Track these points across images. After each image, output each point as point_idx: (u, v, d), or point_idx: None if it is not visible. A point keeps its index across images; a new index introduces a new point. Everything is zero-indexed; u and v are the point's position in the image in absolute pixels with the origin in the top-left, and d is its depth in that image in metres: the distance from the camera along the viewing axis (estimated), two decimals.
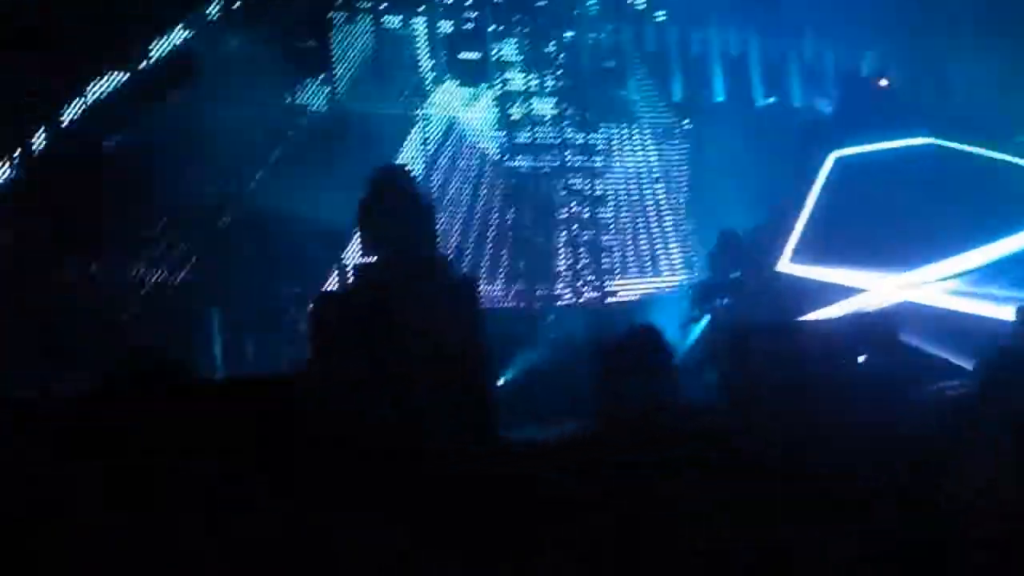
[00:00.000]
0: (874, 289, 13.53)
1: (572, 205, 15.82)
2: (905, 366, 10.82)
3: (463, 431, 8.85)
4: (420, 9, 15.19)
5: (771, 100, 17.43)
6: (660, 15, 16.85)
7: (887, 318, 11.59)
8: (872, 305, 13.11)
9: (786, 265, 14.21)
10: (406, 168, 12.30)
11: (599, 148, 16.22)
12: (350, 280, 9.77)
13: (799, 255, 14.22)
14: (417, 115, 15.11)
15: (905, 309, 13.16)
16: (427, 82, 15.22)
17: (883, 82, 15.99)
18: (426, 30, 15.23)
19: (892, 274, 13.69)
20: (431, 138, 15.11)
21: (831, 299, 13.48)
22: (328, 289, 13.25)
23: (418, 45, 15.19)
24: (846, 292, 13.63)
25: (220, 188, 13.29)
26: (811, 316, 12.88)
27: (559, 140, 15.85)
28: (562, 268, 15.69)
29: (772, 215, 14.93)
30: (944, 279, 13.54)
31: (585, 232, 15.88)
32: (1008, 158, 13.97)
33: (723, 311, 13.79)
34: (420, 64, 15.17)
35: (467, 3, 15.45)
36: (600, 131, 16.31)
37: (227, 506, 7.12)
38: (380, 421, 8.40)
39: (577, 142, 15.97)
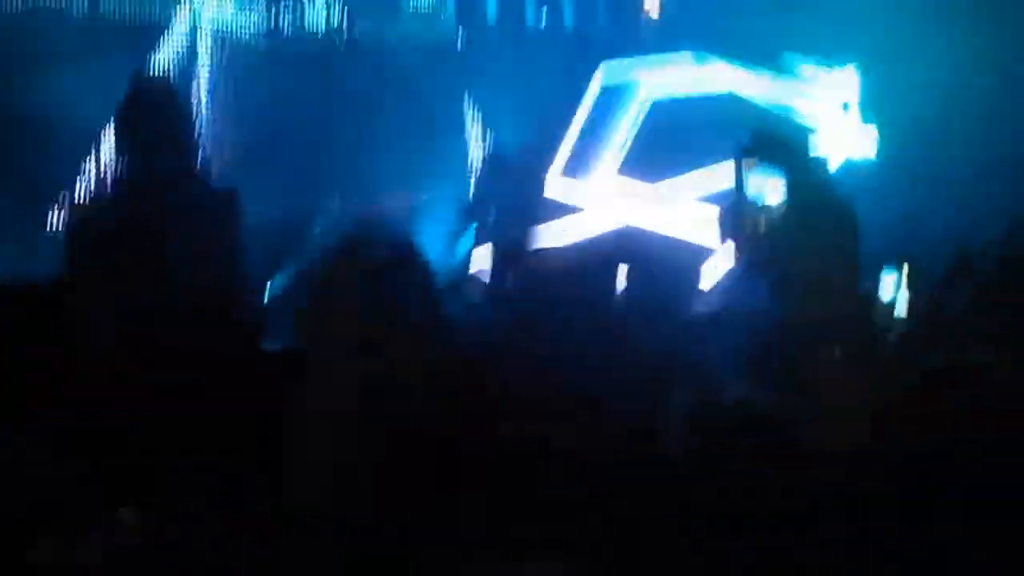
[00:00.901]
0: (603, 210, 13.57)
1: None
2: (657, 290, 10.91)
3: (223, 341, 8.78)
4: None
5: (543, 21, 17.51)
6: None
7: (631, 240, 11.71)
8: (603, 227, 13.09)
9: (555, 180, 14.31)
10: (163, 75, 12.10)
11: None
12: (104, 190, 9.58)
13: (568, 170, 14.34)
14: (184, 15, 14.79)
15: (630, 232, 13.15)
16: None
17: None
18: None
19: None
20: (199, 44, 14.79)
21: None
22: (79, 199, 12.96)
23: None
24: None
25: None
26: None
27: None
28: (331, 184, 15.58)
29: (538, 130, 15.05)
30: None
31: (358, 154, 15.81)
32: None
33: (488, 228, 13.90)
34: None
35: None
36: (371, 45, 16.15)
37: None
38: (134, 337, 8.32)
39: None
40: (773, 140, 9.79)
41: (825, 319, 8.70)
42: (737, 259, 10.22)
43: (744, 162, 9.57)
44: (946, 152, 13.93)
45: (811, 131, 12.04)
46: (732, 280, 10.39)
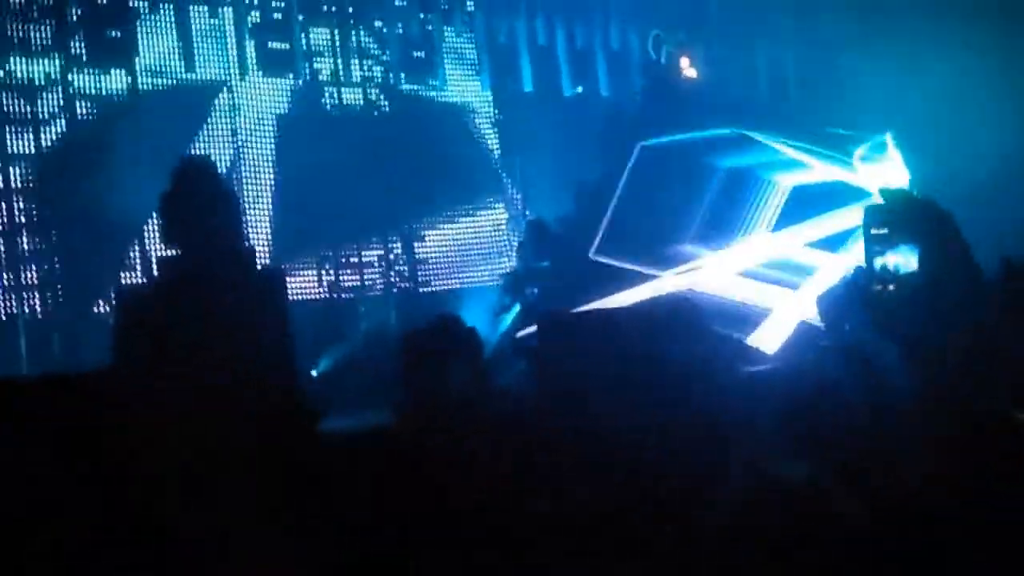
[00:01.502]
0: (665, 277, 13.58)
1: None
2: (714, 351, 10.89)
3: (273, 425, 8.78)
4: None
5: (579, 89, 17.65)
6: (470, 4, 16.90)
7: (688, 303, 11.69)
8: (661, 291, 13.17)
9: (595, 254, 14.31)
10: (209, 158, 12.21)
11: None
12: (154, 273, 9.63)
13: (608, 244, 14.33)
14: (223, 105, 14.89)
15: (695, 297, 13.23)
16: (234, 73, 15.00)
17: (690, 72, 16.18)
18: (233, 19, 15.00)
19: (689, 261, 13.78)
20: (240, 129, 14.90)
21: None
22: (130, 282, 13.08)
23: (226, 35, 14.96)
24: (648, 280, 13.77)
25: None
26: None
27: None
28: (374, 258, 15.66)
29: (579, 205, 15.08)
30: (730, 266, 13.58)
31: (398, 222, 15.90)
32: (808, 146, 14.14)
33: (533, 300, 13.91)
34: (228, 55, 14.94)
35: None
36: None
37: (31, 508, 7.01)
38: (188, 417, 8.32)
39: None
40: (903, 211, 9.73)
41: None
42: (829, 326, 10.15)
43: (873, 232, 9.54)
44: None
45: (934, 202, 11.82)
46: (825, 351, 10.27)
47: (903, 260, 9.14)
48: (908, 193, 10.64)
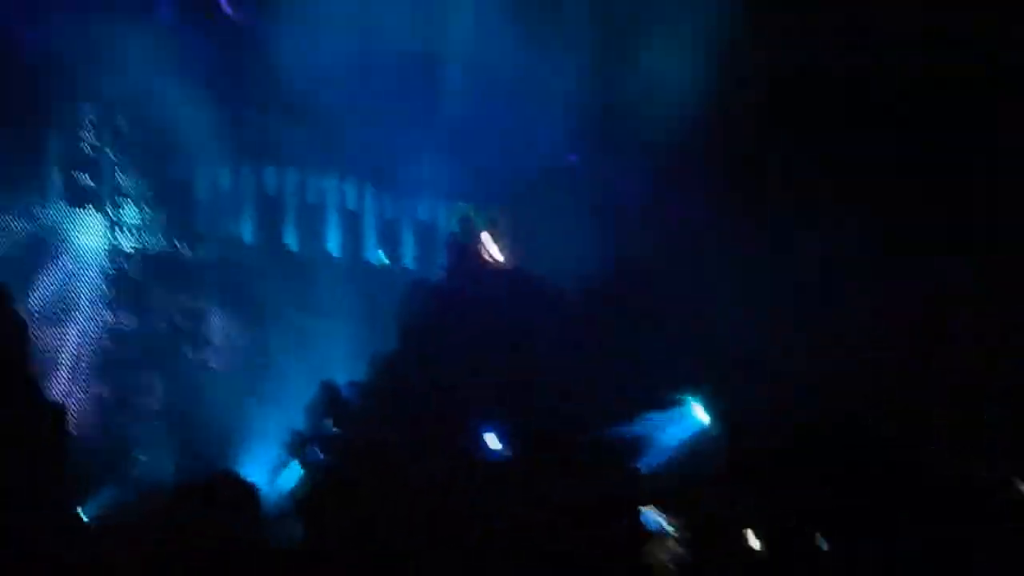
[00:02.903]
0: None
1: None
2: None
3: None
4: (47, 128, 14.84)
5: (383, 259, 17.76)
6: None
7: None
8: None
9: None
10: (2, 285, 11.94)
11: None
12: None
13: None
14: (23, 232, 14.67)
15: None
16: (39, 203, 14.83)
17: (493, 251, 16.32)
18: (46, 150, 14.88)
19: None
20: (43, 259, 14.68)
21: None
22: None
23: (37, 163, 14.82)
24: None
25: None
26: None
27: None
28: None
29: (373, 374, 15.04)
30: None
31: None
32: None
33: (318, 463, 13.77)
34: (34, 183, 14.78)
35: (87, 128, 15.21)
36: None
37: None
38: None
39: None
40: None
41: None
42: None
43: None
44: None
45: None
46: None
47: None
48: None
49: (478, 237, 15.57)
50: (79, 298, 14.91)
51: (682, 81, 16.00)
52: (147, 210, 15.78)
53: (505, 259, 15.25)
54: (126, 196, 15.59)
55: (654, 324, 15.17)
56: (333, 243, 17.32)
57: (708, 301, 16.37)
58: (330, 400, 14.38)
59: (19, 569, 8.47)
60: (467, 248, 15.26)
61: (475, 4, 16.45)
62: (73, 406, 13.55)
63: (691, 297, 17.10)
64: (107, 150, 15.36)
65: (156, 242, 16.00)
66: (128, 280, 15.49)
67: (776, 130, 16.66)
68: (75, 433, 13.31)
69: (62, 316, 14.76)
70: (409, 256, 17.89)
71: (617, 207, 18.93)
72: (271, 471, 14.16)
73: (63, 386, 14.29)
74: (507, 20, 16.69)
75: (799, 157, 16.79)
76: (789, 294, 16.05)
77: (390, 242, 17.85)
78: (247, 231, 16.60)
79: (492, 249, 15.36)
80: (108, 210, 15.39)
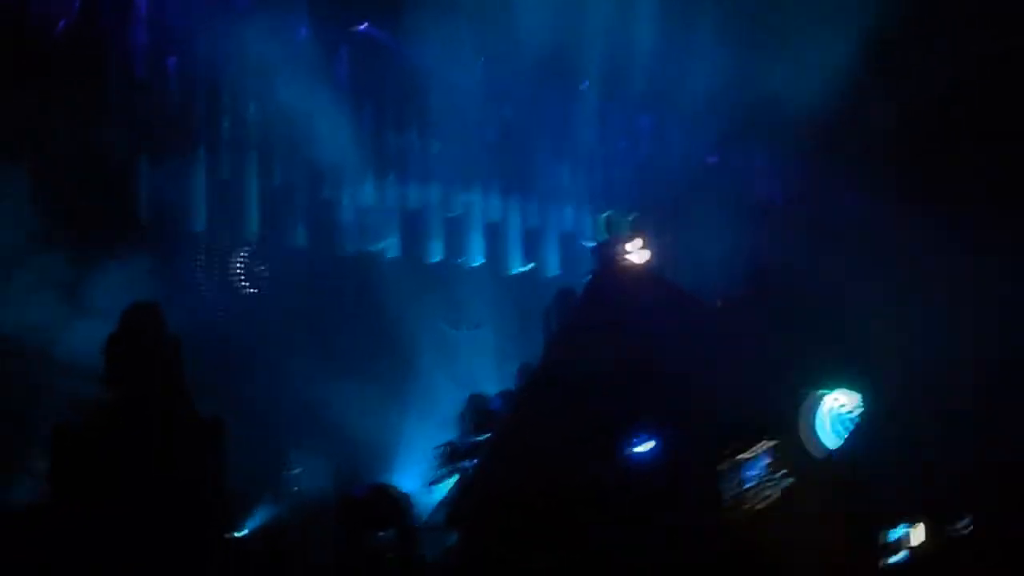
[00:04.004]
0: None
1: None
2: None
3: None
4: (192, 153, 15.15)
5: (527, 267, 17.81)
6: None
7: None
8: None
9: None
10: (157, 304, 12.13)
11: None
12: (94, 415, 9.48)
13: None
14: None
15: None
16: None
17: (639, 256, 16.21)
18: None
19: None
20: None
21: None
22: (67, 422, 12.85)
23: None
24: None
25: None
26: None
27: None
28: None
29: (520, 383, 15.02)
30: None
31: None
32: None
33: (469, 472, 13.76)
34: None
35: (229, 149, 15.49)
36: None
37: None
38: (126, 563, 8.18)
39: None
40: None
41: None
42: None
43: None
44: None
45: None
46: None
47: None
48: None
49: (622, 242, 15.48)
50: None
51: (825, 79, 15.85)
52: (288, 229, 15.96)
53: (649, 264, 15.14)
54: (266, 216, 15.78)
55: (801, 325, 14.98)
56: (477, 254, 17.40)
57: (857, 303, 16.19)
58: (479, 410, 14.39)
59: None
60: (612, 254, 15.16)
61: (611, 9, 16.43)
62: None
63: (838, 298, 16.93)
64: (251, 173, 15.53)
65: (300, 264, 16.22)
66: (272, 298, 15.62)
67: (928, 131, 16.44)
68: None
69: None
70: (554, 264, 17.94)
71: (760, 207, 18.84)
72: (423, 483, 14.18)
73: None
74: (644, 23, 16.69)
75: (952, 157, 16.54)
76: (941, 298, 15.83)
77: (534, 251, 17.92)
78: (391, 246, 16.71)
79: (637, 254, 15.25)
80: (250, 227, 15.57)
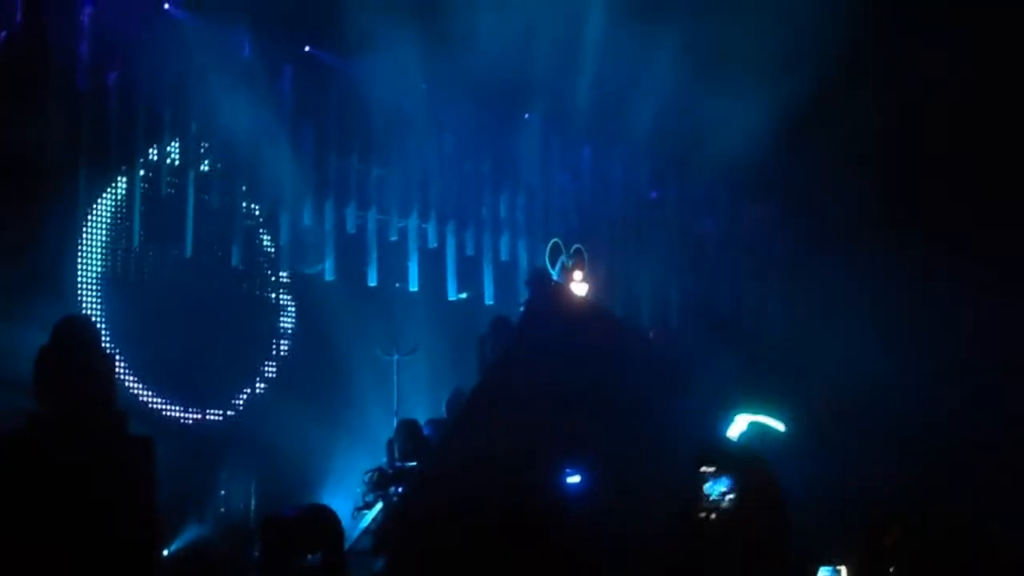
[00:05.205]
0: None
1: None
2: None
3: None
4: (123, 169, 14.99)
5: (463, 295, 17.83)
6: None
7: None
8: None
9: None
10: (89, 319, 12.05)
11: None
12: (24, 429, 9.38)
13: None
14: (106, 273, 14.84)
15: None
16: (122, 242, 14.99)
17: (580, 287, 16.24)
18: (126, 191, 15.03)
19: None
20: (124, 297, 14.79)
21: None
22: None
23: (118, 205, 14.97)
24: None
25: None
26: None
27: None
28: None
29: (450, 411, 15.00)
30: None
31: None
32: None
33: (397, 500, 13.71)
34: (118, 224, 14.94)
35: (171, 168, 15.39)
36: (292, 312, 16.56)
37: None
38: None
39: None
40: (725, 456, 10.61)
41: None
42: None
43: (703, 470, 10.35)
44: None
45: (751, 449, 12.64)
46: None
47: (723, 494, 10.23)
48: (729, 441, 11.58)
49: (561, 273, 15.55)
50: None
51: (767, 115, 16.04)
52: (226, 250, 15.88)
53: (587, 294, 15.19)
54: (206, 235, 15.70)
55: (737, 356, 15.16)
56: (413, 281, 17.40)
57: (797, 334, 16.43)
58: (409, 436, 14.35)
59: None
60: (549, 284, 15.21)
61: (557, 41, 16.51)
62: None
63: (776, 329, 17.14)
64: (188, 191, 15.44)
65: (236, 283, 16.16)
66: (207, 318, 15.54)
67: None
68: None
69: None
70: (489, 293, 17.97)
71: (699, 242, 19.02)
72: (351, 509, 14.13)
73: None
74: (590, 55, 16.80)
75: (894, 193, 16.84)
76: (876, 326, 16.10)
77: (471, 279, 17.95)
78: (328, 270, 16.68)
79: (577, 285, 15.31)
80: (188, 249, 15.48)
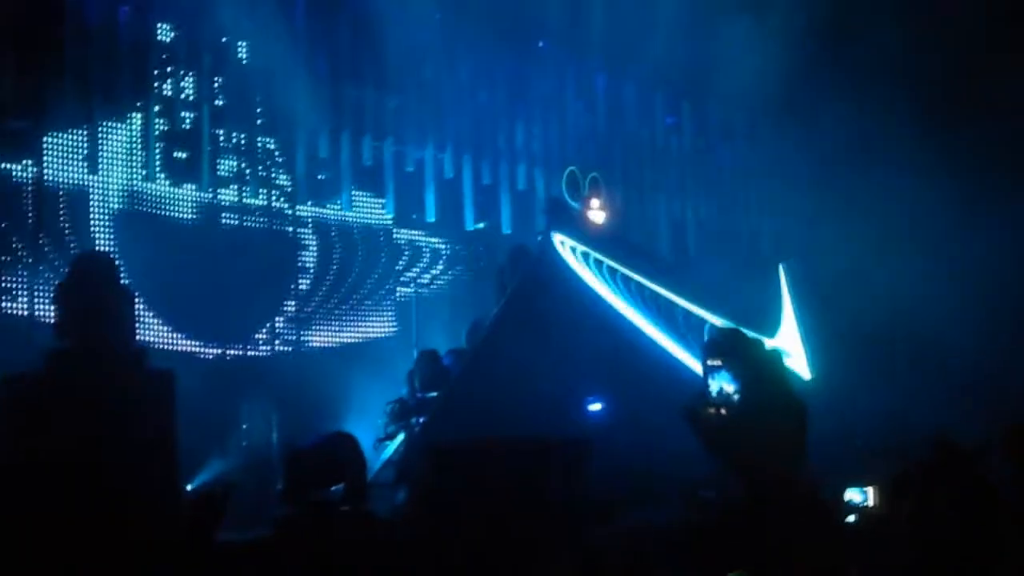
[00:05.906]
0: None
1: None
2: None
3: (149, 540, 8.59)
4: (137, 105, 14.87)
5: (481, 225, 17.80)
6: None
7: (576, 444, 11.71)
8: None
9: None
10: (108, 254, 12.01)
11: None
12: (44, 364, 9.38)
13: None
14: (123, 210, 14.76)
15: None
16: (139, 179, 14.88)
17: (597, 215, 16.18)
18: (141, 127, 14.92)
19: None
20: (141, 234, 14.73)
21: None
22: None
23: (133, 141, 14.86)
24: None
25: None
26: None
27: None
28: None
29: (471, 341, 15.00)
30: None
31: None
32: None
33: (418, 430, 13.73)
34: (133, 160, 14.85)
35: (186, 103, 15.27)
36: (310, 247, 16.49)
37: None
38: (65, 516, 8.10)
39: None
40: (734, 348, 10.36)
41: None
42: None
43: (708, 363, 10.15)
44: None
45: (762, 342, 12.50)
46: None
47: (731, 389, 10.00)
48: (738, 331, 11.15)
49: (579, 200, 15.49)
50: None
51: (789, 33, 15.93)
52: (246, 186, 15.84)
53: (605, 222, 15.14)
54: (222, 170, 15.65)
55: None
56: (431, 212, 17.37)
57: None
58: (431, 367, 14.35)
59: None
60: (567, 211, 15.18)
61: None
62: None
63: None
64: (204, 125, 15.37)
65: (255, 218, 16.11)
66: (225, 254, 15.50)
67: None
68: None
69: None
70: (507, 222, 17.93)
71: (717, 168, 18.94)
72: (374, 440, 14.14)
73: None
74: None
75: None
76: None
77: (489, 209, 17.91)
78: (345, 203, 16.64)
79: (594, 212, 15.25)
80: (205, 184, 15.43)
